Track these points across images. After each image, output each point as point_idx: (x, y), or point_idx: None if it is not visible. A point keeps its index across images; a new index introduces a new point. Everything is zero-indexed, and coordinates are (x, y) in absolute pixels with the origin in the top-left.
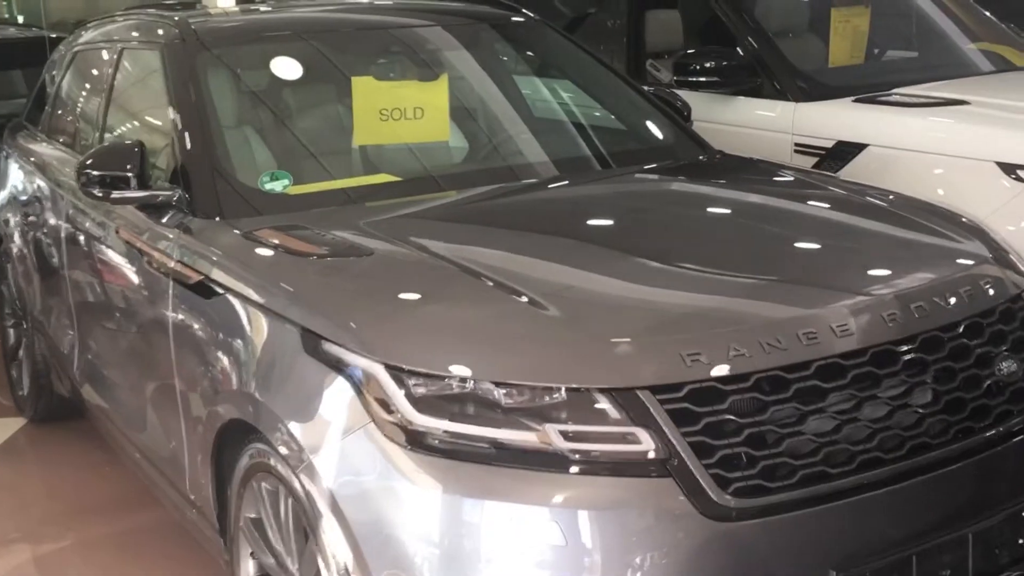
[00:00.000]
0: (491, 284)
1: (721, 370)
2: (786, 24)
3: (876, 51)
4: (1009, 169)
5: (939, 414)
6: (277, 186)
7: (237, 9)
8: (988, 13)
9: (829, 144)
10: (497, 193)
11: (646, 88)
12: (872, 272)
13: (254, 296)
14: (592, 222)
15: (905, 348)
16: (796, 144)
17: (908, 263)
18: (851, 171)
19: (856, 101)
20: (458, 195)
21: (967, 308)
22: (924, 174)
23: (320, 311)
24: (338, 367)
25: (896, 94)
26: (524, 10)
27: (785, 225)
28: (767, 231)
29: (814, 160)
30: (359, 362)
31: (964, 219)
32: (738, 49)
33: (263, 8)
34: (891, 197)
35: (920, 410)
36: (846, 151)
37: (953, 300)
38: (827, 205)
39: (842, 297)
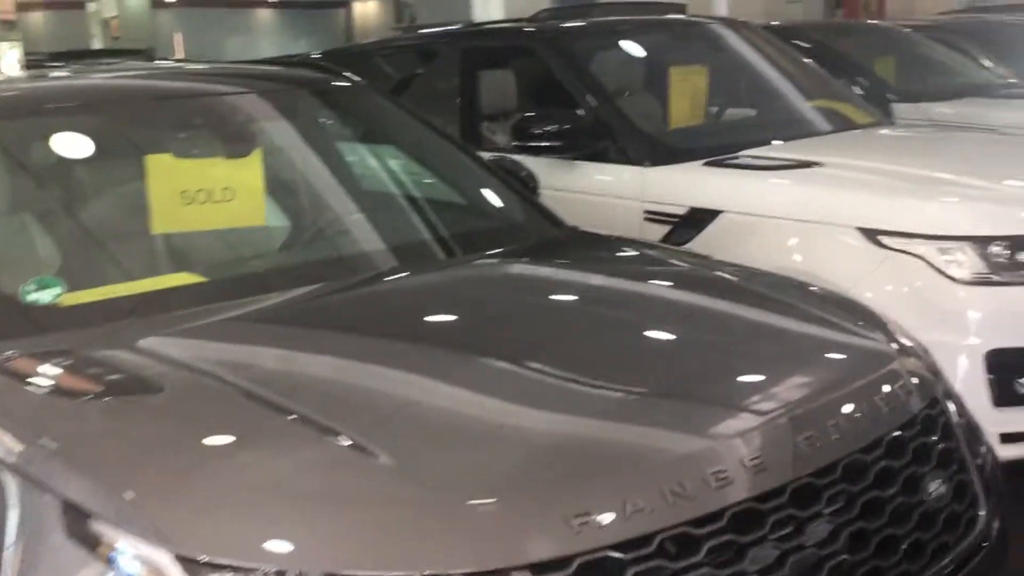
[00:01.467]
0: (310, 424)
1: (618, 533)
2: (624, 84)
3: (715, 110)
4: (871, 235)
5: (872, 560)
6: (44, 296)
7: (20, 76)
8: (822, 70)
9: (682, 211)
10: (321, 294)
11: (487, 156)
12: (776, 382)
13: None
14: (434, 328)
15: (827, 480)
16: (647, 212)
17: (814, 368)
18: (706, 239)
19: (706, 164)
20: (276, 297)
21: (888, 421)
22: (784, 241)
23: (86, 475)
24: (106, 557)
25: (745, 156)
26: (348, 74)
27: (664, 322)
28: (644, 331)
29: (666, 228)
30: (137, 550)
31: (862, 307)
32: (579, 111)
33: (52, 75)
34: (777, 281)
35: (848, 556)
36: (700, 218)
37: (873, 413)
38: (708, 295)
39: (750, 419)
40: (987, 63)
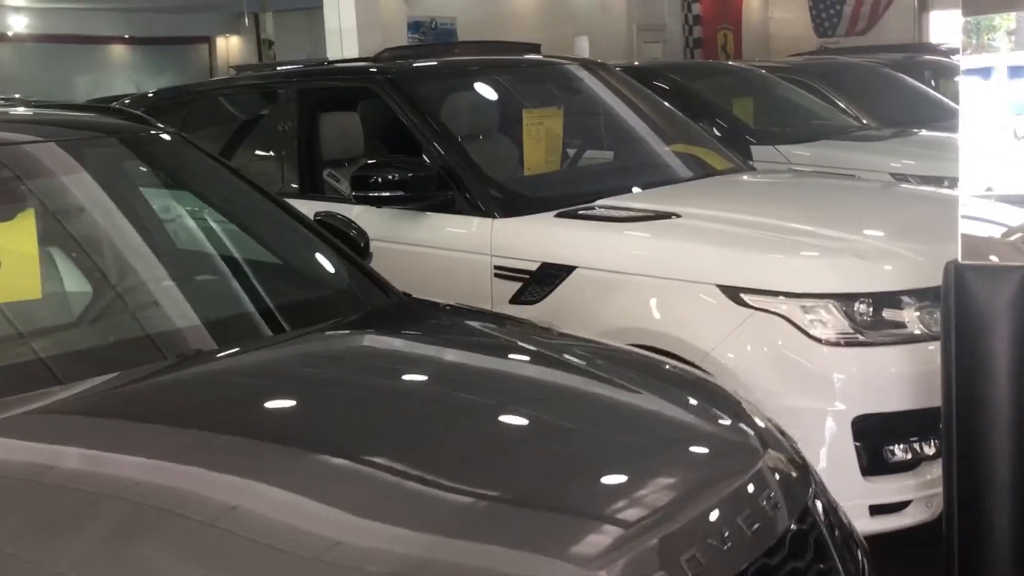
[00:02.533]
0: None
1: None
2: (473, 128)
3: (571, 156)
4: (732, 293)
5: None
6: None
7: None
8: (680, 113)
9: (533, 266)
10: (117, 384)
11: (319, 209)
12: (647, 487)
13: None
14: (252, 424)
15: None
16: (496, 267)
17: (690, 466)
18: (560, 297)
19: (559, 216)
20: (61, 392)
21: (753, 547)
22: (641, 299)
23: None
24: None
25: (600, 207)
26: (159, 124)
27: (506, 413)
28: (484, 425)
29: (517, 285)
30: None
31: (719, 392)
32: (424, 157)
33: None
34: (628, 359)
35: None
36: (552, 274)
37: (736, 539)
38: (553, 378)
39: (622, 538)
40: (841, 104)
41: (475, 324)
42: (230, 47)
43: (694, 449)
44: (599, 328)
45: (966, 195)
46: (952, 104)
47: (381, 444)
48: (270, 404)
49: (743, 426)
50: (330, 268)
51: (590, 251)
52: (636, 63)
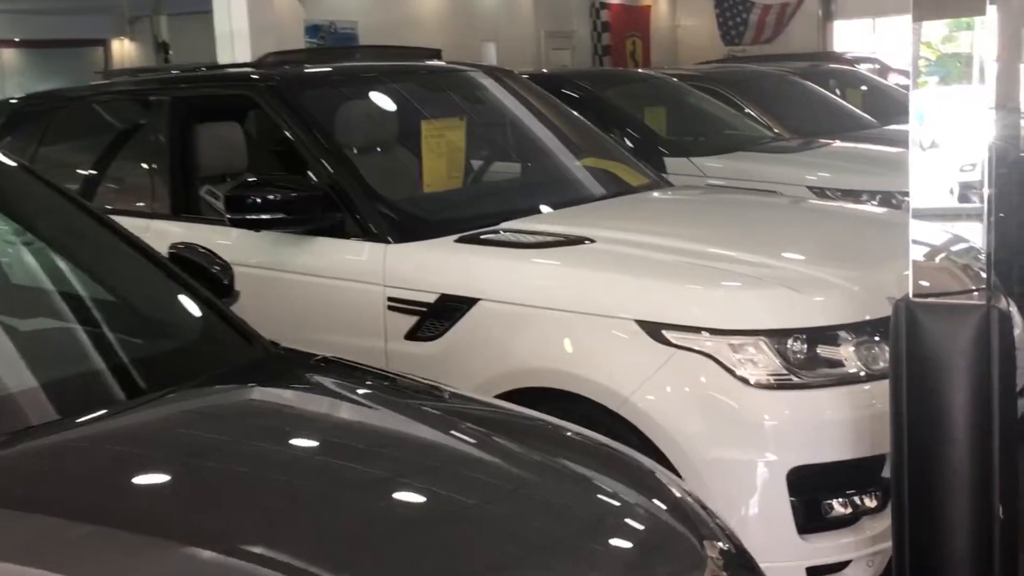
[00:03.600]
0: None
1: None
2: (367, 142)
3: (475, 173)
4: (652, 329)
5: None
6: None
7: None
8: (591, 124)
9: (431, 298)
10: None
11: (174, 244)
12: None
13: None
14: (107, 508)
15: None
16: (390, 299)
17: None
18: (460, 334)
19: (460, 241)
20: None
21: None
22: (551, 337)
23: None
24: None
25: (506, 230)
26: None
27: (396, 494)
28: (370, 512)
29: (413, 319)
30: None
31: (637, 462)
32: (310, 175)
33: None
34: (531, 426)
35: None
36: (453, 308)
37: None
38: (447, 455)
39: None
40: (753, 114)
41: (351, 385)
42: (125, 50)
43: (592, 544)
44: (505, 368)
45: (918, 222)
46: (860, 114)
47: (246, 533)
48: (116, 489)
49: (657, 510)
50: (182, 315)
51: (494, 281)
52: (544, 70)
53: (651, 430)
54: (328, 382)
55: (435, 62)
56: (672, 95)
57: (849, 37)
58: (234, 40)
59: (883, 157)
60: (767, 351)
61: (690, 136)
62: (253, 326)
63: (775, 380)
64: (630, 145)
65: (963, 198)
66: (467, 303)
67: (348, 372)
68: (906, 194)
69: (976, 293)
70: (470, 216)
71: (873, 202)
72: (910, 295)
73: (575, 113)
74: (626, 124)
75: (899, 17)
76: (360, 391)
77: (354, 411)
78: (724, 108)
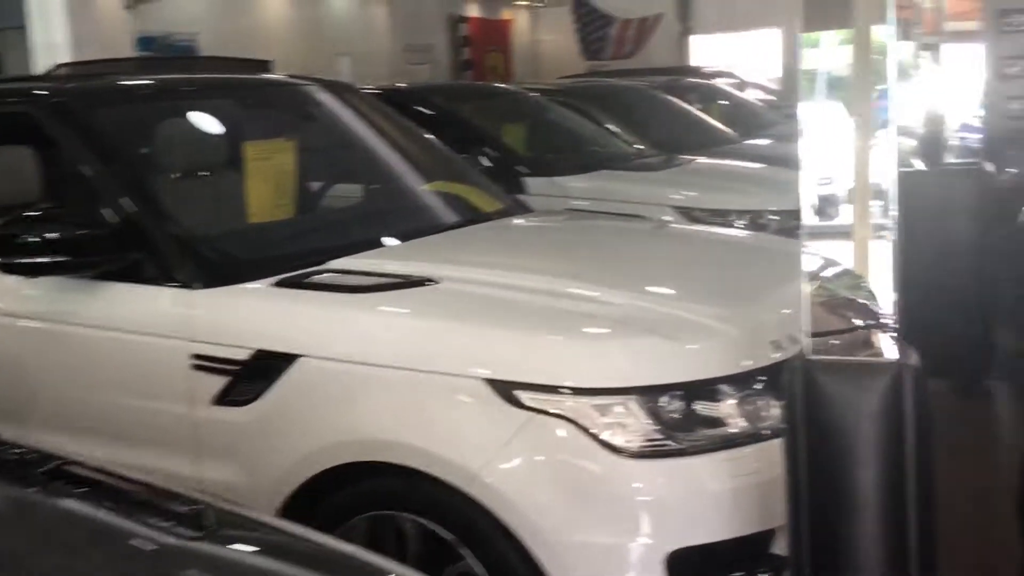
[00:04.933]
0: None
1: None
2: (173, 168)
3: (308, 201)
4: (505, 390)
5: None
6: None
7: None
8: (443, 144)
9: (244, 355)
10: None
11: None
12: None
13: None
14: None
15: None
16: (196, 356)
17: None
18: (278, 398)
19: (280, 285)
20: None
21: None
22: (387, 401)
23: None
24: None
25: (335, 271)
26: None
27: None
28: None
29: (223, 380)
30: None
31: None
32: (100, 207)
33: None
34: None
35: None
36: (270, 366)
37: None
38: None
39: None
40: (616, 130)
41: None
42: None
43: None
44: (331, 440)
45: (809, 258)
46: (722, 128)
47: None
48: None
49: None
50: None
51: (319, 334)
52: (399, 85)
53: (505, 512)
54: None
55: (263, 75)
56: (532, 111)
57: (706, 52)
58: (54, 53)
59: (749, 174)
60: (638, 412)
61: (551, 154)
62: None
63: (648, 446)
64: (488, 164)
65: (875, 229)
66: (286, 360)
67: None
68: (776, 213)
69: (884, 348)
70: (298, 252)
71: (742, 222)
72: (807, 353)
73: (423, 132)
74: (483, 142)
75: (755, 32)
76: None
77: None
78: (586, 124)
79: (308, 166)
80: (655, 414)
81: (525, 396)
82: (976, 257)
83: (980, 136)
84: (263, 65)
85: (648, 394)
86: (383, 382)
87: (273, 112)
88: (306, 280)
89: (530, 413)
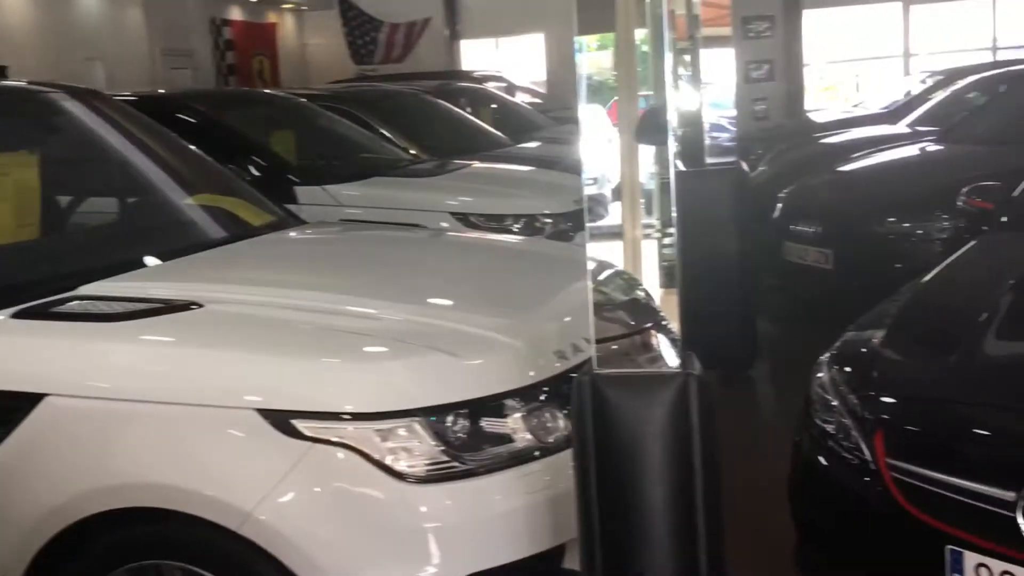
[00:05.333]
0: None
1: None
2: None
3: (57, 219)
4: (280, 420)
5: None
6: None
7: None
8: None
9: None
10: None
11: None
12: None
13: None
14: None
15: None
16: None
17: None
18: (23, 442)
19: (20, 316)
20: None
21: None
22: (147, 440)
23: None
24: None
25: (85, 297)
26: None
27: None
28: None
29: None
30: None
31: None
32: None
33: None
34: None
35: None
36: (11, 408)
37: None
38: None
39: None
40: (389, 135)
41: None
42: None
43: None
44: (85, 486)
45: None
46: (494, 132)
47: None
48: None
49: None
50: None
51: (66, 369)
52: (160, 91)
53: (285, 553)
54: None
55: None
56: (302, 117)
57: (475, 56)
58: None
59: (523, 177)
60: (423, 435)
61: (323, 161)
62: None
63: (435, 470)
64: (256, 174)
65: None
66: (30, 401)
67: None
68: (550, 216)
69: (666, 353)
70: (43, 278)
71: (518, 226)
72: (594, 367)
73: (185, 141)
74: (251, 151)
75: (522, 36)
76: None
77: None
78: (358, 130)
79: (55, 181)
80: (440, 435)
81: (302, 425)
82: (738, 252)
83: (731, 136)
84: None
85: (432, 415)
86: (143, 419)
87: (9, 122)
88: (51, 310)
89: (308, 443)
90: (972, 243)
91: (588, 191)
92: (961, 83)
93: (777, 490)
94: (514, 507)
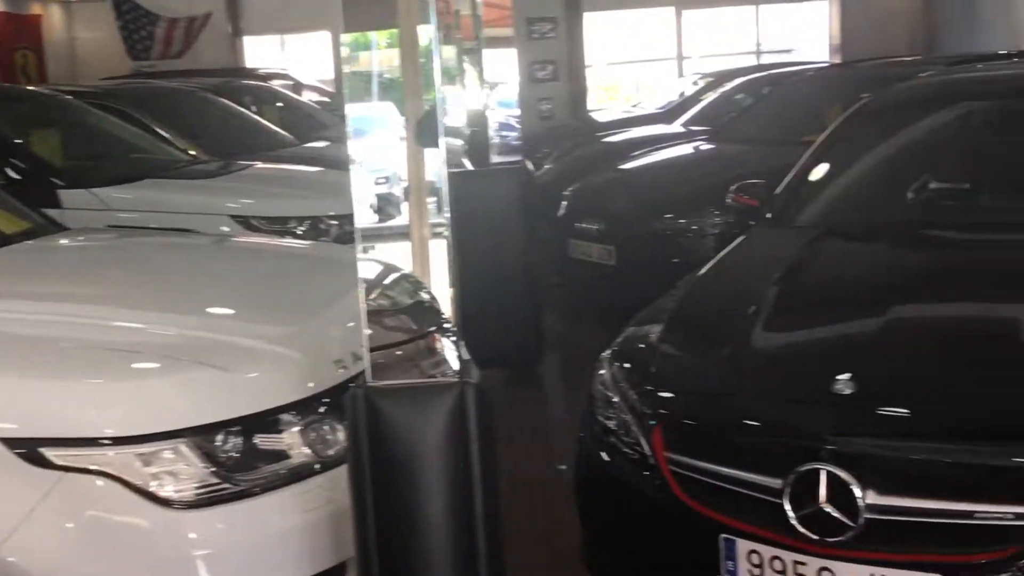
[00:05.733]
0: None
1: None
2: None
3: None
4: (27, 449)
5: None
6: None
7: None
8: None
9: None
10: None
11: None
12: None
13: None
14: None
15: None
16: None
17: None
18: None
19: None
20: None
21: None
22: None
23: None
24: None
25: None
26: None
27: None
28: None
29: None
30: None
31: None
32: None
33: None
34: None
35: None
36: None
37: None
38: None
39: None
40: (164, 134)
41: None
42: None
43: None
44: None
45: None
46: (279, 131)
47: None
48: None
49: None
50: None
51: None
52: None
53: None
54: None
55: None
56: (68, 116)
57: (259, 53)
58: None
59: (308, 178)
60: (190, 456)
61: (91, 163)
62: None
63: (204, 493)
64: (16, 177)
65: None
66: None
67: None
68: (335, 218)
69: (447, 359)
70: None
71: (302, 229)
72: (368, 379)
73: None
74: (9, 152)
75: (307, 34)
76: None
77: None
78: (132, 130)
79: None
80: (210, 456)
81: (52, 453)
82: (525, 250)
83: (516, 135)
84: None
85: (201, 435)
86: None
87: None
88: None
89: (60, 472)
90: (740, 238)
91: (378, 190)
92: (729, 85)
93: (565, 488)
94: (293, 526)
